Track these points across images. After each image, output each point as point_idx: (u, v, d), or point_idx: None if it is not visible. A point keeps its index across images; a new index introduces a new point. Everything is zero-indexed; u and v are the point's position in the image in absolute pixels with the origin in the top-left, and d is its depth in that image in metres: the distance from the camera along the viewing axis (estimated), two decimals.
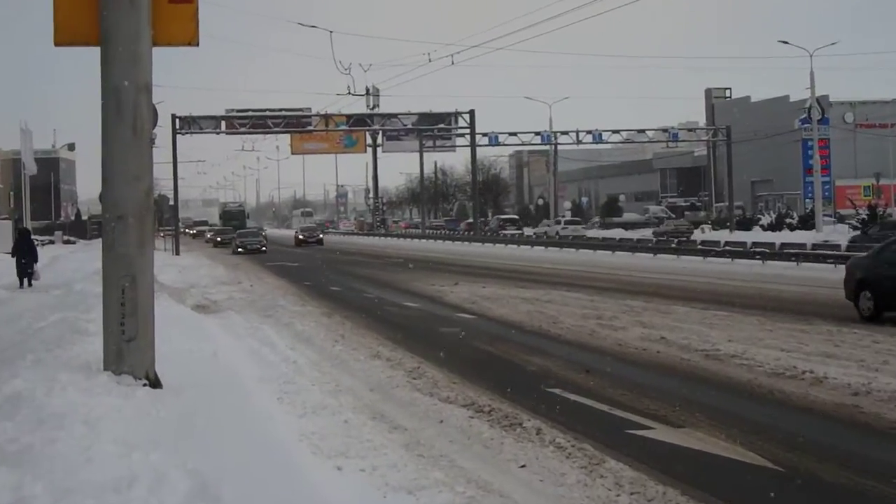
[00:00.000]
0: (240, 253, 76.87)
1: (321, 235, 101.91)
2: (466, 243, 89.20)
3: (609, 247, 64.63)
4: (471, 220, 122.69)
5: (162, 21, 12.18)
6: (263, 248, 79.40)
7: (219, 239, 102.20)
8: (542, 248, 73.34)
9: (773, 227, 79.89)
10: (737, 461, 11.04)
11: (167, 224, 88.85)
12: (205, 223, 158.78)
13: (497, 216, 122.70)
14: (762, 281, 37.56)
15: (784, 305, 27.54)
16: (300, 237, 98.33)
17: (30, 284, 38.89)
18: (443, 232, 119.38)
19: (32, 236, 45.00)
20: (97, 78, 11.85)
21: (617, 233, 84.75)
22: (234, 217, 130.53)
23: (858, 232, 58.92)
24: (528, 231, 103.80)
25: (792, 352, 18.47)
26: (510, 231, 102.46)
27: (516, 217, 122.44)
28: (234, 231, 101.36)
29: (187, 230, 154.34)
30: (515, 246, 78.54)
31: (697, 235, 75.97)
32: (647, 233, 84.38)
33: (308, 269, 53.25)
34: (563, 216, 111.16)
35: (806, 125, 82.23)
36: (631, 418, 13.23)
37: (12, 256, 41.70)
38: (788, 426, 12.71)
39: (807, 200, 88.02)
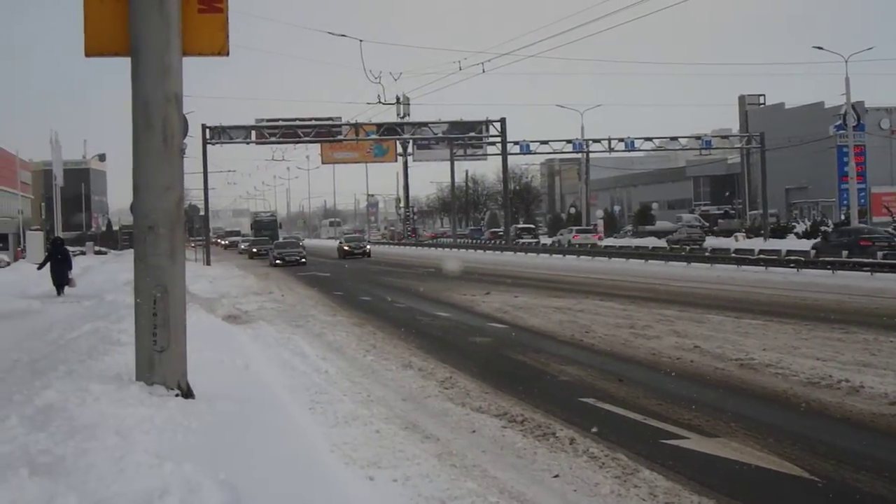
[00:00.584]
0: (277, 265, 74.77)
1: (368, 247, 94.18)
2: (498, 252, 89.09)
3: (641, 255, 64.35)
4: (495, 229, 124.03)
5: (192, 31, 12.23)
6: (303, 260, 76.84)
7: (255, 250, 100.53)
8: (574, 256, 73.07)
9: (808, 234, 79.53)
10: (773, 471, 11.00)
11: (198, 234, 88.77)
12: (237, 233, 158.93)
13: (514, 225, 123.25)
14: (797, 289, 37.39)
15: (819, 314, 27.41)
16: (346, 248, 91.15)
17: (63, 292, 39.60)
18: (470, 241, 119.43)
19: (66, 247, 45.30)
20: (128, 88, 11.90)
21: (650, 241, 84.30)
22: (265, 227, 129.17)
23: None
24: (545, 240, 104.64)
25: (828, 361, 18.39)
26: (526, 239, 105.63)
27: (532, 226, 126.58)
28: (270, 241, 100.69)
29: (219, 241, 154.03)
30: (547, 255, 78.47)
31: (730, 244, 75.58)
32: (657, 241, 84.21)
33: (338, 279, 53.39)
34: (594, 224, 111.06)
35: (841, 131, 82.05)
36: (665, 428, 13.18)
37: (39, 269, 42.41)
38: (825, 436, 12.65)
39: (842, 208, 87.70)
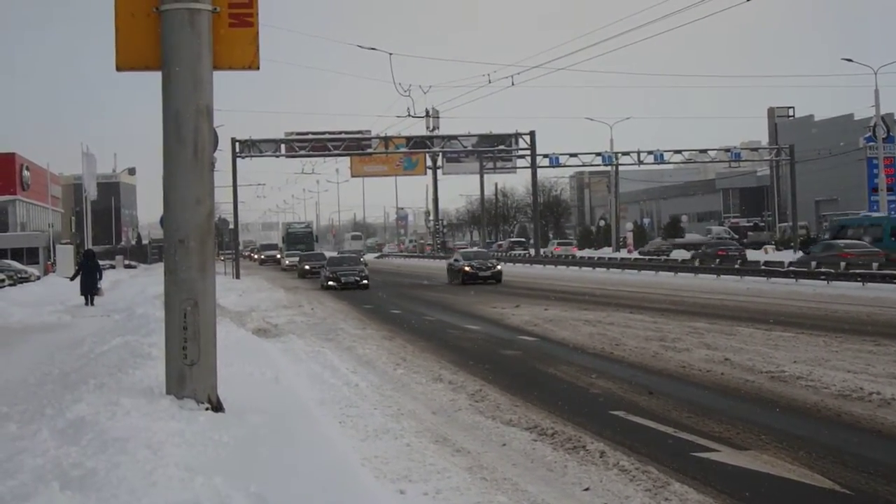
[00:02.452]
0: (331, 287, 57.79)
1: (499, 267, 62.27)
2: (527, 265, 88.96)
3: (671, 268, 64.21)
4: (501, 242, 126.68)
5: (222, 45, 12.28)
6: (364, 282, 58.58)
7: (307, 267, 79.48)
8: (604, 269, 72.92)
9: None
10: (804, 484, 10.94)
11: (227, 248, 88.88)
12: (274, 247, 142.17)
13: (508, 239, 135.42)
14: (827, 301, 37.25)
15: (850, 326, 27.29)
16: (466, 269, 60.67)
17: (92, 302, 42.02)
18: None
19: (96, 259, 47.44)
20: (158, 102, 11.97)
21: (679, 254, 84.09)
22: (300, 240, 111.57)
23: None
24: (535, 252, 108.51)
25: (859, 373, 18.30)
26: (518, 251, 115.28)
27: (523, 240, 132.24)
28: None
29: (252, 255, 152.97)
30: (577, 268, 78.30)
31: (759, 256, 75.27)
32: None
33: (367, 292, 53.40)
34: (625, 237, 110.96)
35: (871, 143, 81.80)
36: (696, 440, 13.13)
37: (71, 280, 44.22)
38: (856, 448, 12.57)
39: None
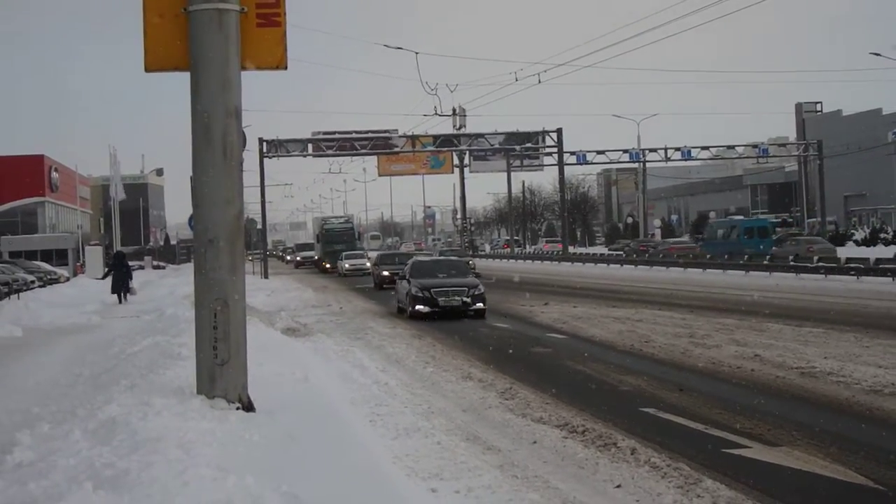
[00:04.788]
0: (419, 314, 34.53)
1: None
2: (556, 263, 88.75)
3: (700, 264, 64.00)
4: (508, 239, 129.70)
5: (250, 45, 12.28)
6: (480, 306, 34.94)
7: (385, 274, 54.17)
8: (632, 266, 72.83)
9: (867, 242, 79.23)
10: (837, 480, 10.91)
11: (256, 248, 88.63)
12: (311, 247, 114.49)
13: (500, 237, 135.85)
14: (857, 297, 37.10)
15: (881, 321, 27.22)
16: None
17: (126, 299, 44.58)
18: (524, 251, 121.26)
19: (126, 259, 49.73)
20: (187, 103, 11.97)
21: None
22: (338, 238, 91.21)
23: None
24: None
25: (890, 368, 18.23)
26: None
27: (518, 238, 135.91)
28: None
29: (284, 256, 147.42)
30: (605, 265, 78.19)
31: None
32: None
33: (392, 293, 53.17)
34: (652, 234, 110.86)
35: None
36: (727, 437, 13.10)
37: (102, 279, 45.82)
38: (889, 444, 12.53)
39: None
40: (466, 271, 39.21)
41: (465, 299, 34.77)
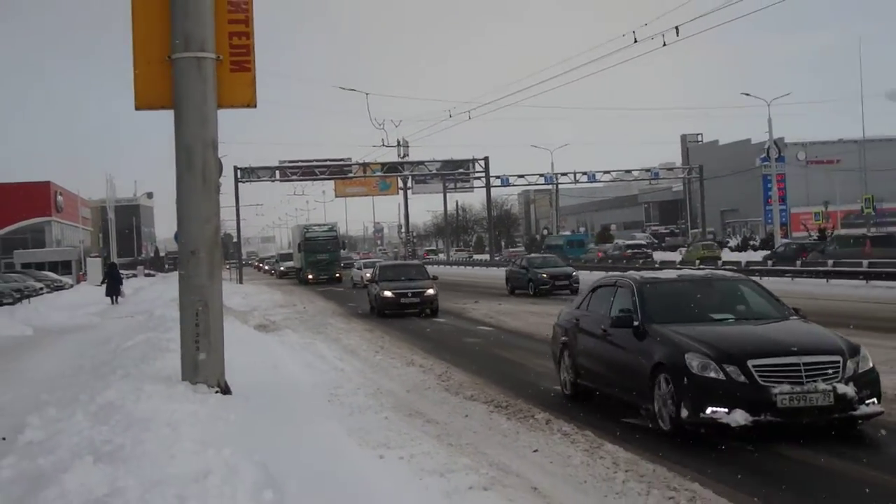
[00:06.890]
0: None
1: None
2: (483, 268, 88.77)
3: (614, 267, 64.20)
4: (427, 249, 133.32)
5: (225, 87, 12.35)
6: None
7: (410, 295, 34.83)
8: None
9: (739, 248, 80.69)
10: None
11: (232, 258, 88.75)
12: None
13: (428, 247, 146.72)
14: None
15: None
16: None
17: (116, 302, 46.85)
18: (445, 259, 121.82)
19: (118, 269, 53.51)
20: (172, 136, 12.07)
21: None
22: (322, 248, 73.26)
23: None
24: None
25: None
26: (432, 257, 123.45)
27: (440, 249, 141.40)
28: (329, 268, 71.56)
29: (260, 265, 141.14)
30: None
31: (676, 257, 75.67)
32: None
33: (350, 293, 53.07)
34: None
35: (766, 163, 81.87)
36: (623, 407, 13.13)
37: (100, 285, 48.79)
38: None
39: (767, 225, 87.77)
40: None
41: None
